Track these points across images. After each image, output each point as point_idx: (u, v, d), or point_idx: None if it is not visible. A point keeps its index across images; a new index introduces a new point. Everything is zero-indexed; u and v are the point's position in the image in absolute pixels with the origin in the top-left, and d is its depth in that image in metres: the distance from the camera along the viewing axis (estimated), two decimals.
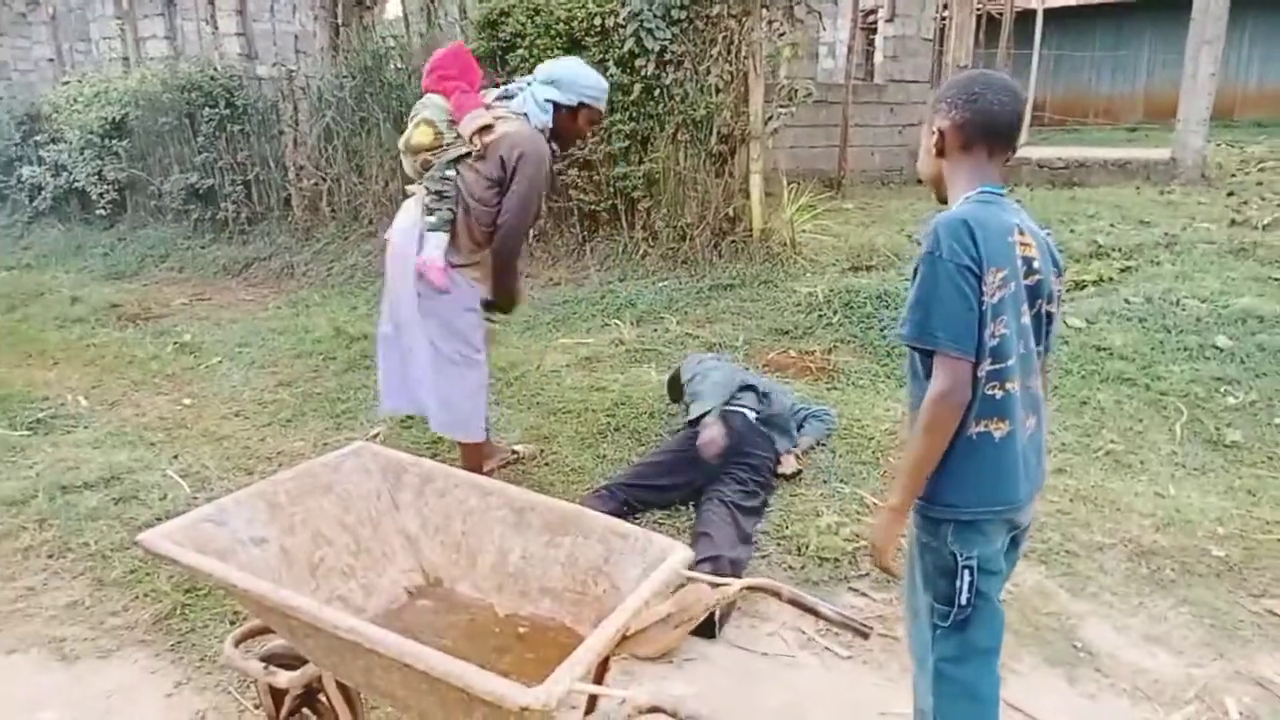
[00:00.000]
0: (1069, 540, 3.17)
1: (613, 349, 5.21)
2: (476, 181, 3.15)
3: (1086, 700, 2.47)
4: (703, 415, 3.50)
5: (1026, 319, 1.72)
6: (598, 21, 6.21)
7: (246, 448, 4.17)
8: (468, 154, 3.16)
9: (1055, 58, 16.65)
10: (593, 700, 2.11)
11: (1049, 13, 12.92)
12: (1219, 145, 10.91)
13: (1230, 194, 8.06)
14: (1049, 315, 1.79)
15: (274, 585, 1.80)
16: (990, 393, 1.68)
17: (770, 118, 6.19)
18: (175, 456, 4.06)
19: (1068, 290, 5.55)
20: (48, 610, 2.96)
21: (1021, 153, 9.95)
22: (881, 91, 10.60)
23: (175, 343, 5.94)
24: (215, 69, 8.81)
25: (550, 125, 3.22)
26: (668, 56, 6.11)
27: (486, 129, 3.13)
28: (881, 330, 4.95)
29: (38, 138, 9.75)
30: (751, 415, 3.62)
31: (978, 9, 10.95)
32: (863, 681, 2.58)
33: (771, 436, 3.59)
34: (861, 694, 2.52)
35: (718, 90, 6.07)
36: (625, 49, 6.10)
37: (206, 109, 8.43)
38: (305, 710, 2.28)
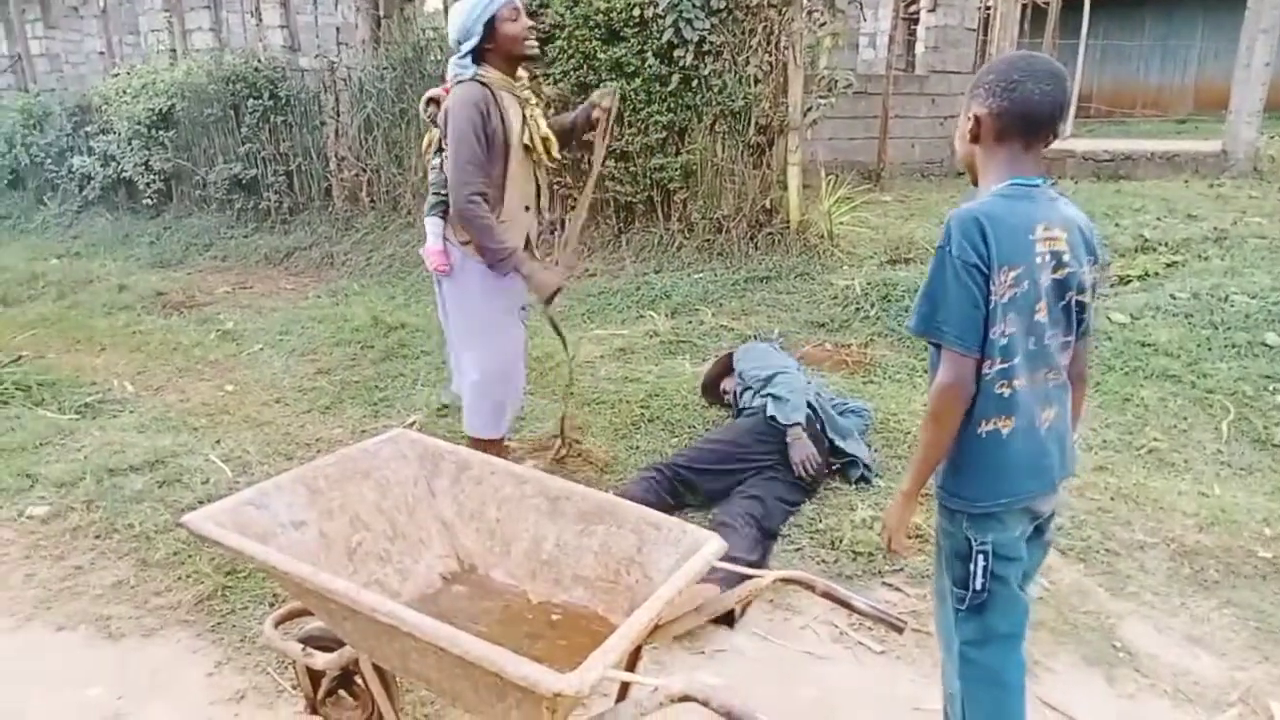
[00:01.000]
0: (1109, 539, 3.12)
1: (647, 340, 5.21)
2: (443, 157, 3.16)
3: (1125, 701, 2.43)
4: (789, 425, 3.43)
5: (1043, 315, 1.70)
6: (636, 12, 6.20)
7: (286, 434, 4.24)
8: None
9: (1103, 47, 16.30)
10: (624, 688, 2.13)
11: (1097, 1, 12.66)
12: (1272, 138, 10.62)
13: None
14: (1080, 305, 1.76)
15: (313, 568, 1.83)
16: (999, 391, 1.69)
17: (809, 109, 6.15)
18: (217, 441, 4.14)
19: (1111, 286, 5.45)
20: (94, 589, 3.03)
21: (1066, 145, 9.78)
22: (923, 82, 10.46)
23: (218, 330, 6.05)
24: (259, 61, 8.94)
25: (480, 74, 3.02)
26: (706, 47, 6.08)
27: (432, 101, 3.21)
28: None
29: (88, 128, 9.97)
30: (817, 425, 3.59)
31: None
32: (896, 677, 2.56)
33: (828, 440, 3.55)
34: (894, 689, 2.50)
35: (756, 81, 6.04)
36: (664, 40, 6.08)
37: (250, 100, 8.56)
38: (341, 692, 2.32)
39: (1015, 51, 1.78)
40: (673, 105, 6.25)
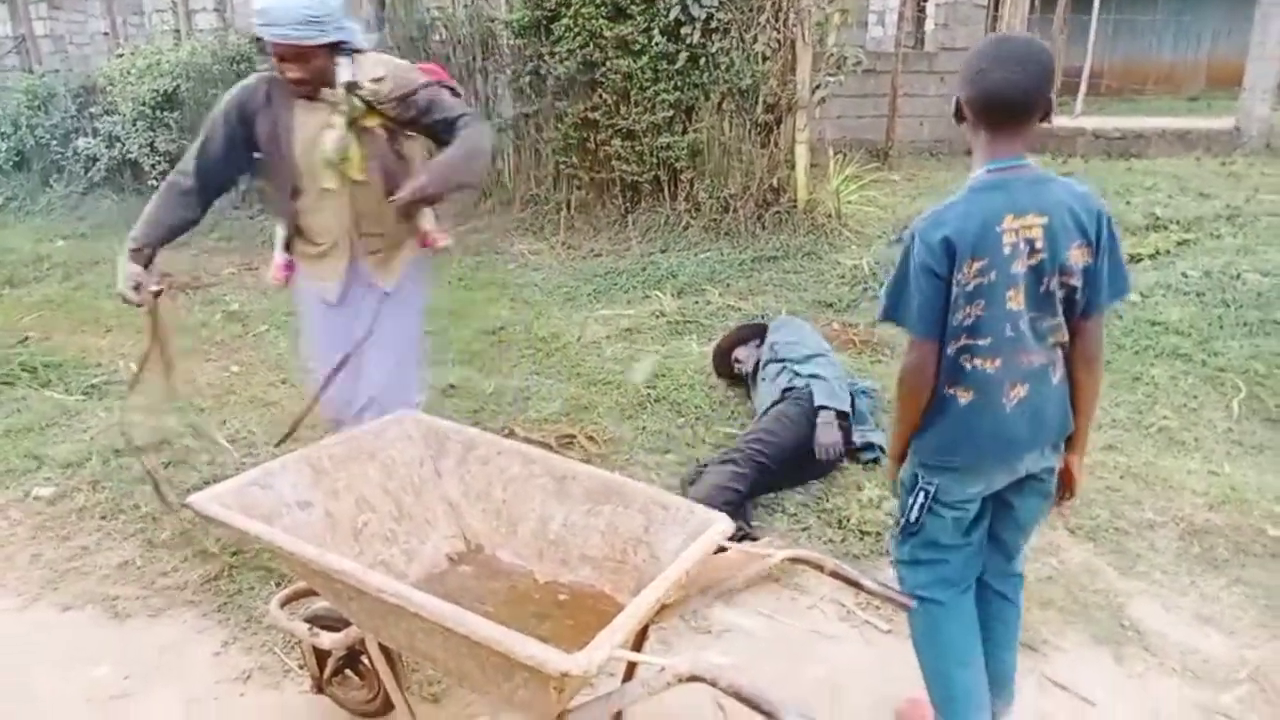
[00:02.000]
0: (1118, 518, 3.10)
1: (653, 320, 5.19)
2: None
3: (1134, 679, 2.42)
4: (823, 408, 3.40)
5: (1016, 303, 1.74)
6: None
7: (292, 414, 4.22)
8: None
9: (1115, 23, 16.09)
10: (631, 668, 2.12)
11: None
12: None
13: None
14: (1069, 287, 1.78)
15: (319, 549, 1.82)
16: (961, 363, 1.80)
17: (818, 86, 6.09)
18: (223, 422, 4.13)
19: None
20: (101, 569, 3.04)
21: (1077, 123, 9.68)
22: (932, 60, 10.34)
23: (223, 311, 6.04)
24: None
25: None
26: (714, 24, 6.02)
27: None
28: None
29: (93, 110, 9.91)
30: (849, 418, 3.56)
31: None
32: (905, 656, 2.52)
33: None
34: (902, 669, 2.48)
35: (764, 58, 5.98)
36: (671, 17, 6.01)
37: None
38: (348, 671, 2.32)
39: (992, 35, 1.89)
40: (680, 83, 6.19)
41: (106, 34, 11.49)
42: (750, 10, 5.98)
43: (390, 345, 2.81)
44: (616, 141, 6.48)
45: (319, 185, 2.63)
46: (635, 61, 6.18)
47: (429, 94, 2.62)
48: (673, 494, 2.32)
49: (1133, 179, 7.48)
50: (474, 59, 7.26)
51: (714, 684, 1.53)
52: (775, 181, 6.09)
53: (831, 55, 6.16)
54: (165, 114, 9.21)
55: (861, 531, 3.04)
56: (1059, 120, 9.70)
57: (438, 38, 7.66)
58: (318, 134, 2.57)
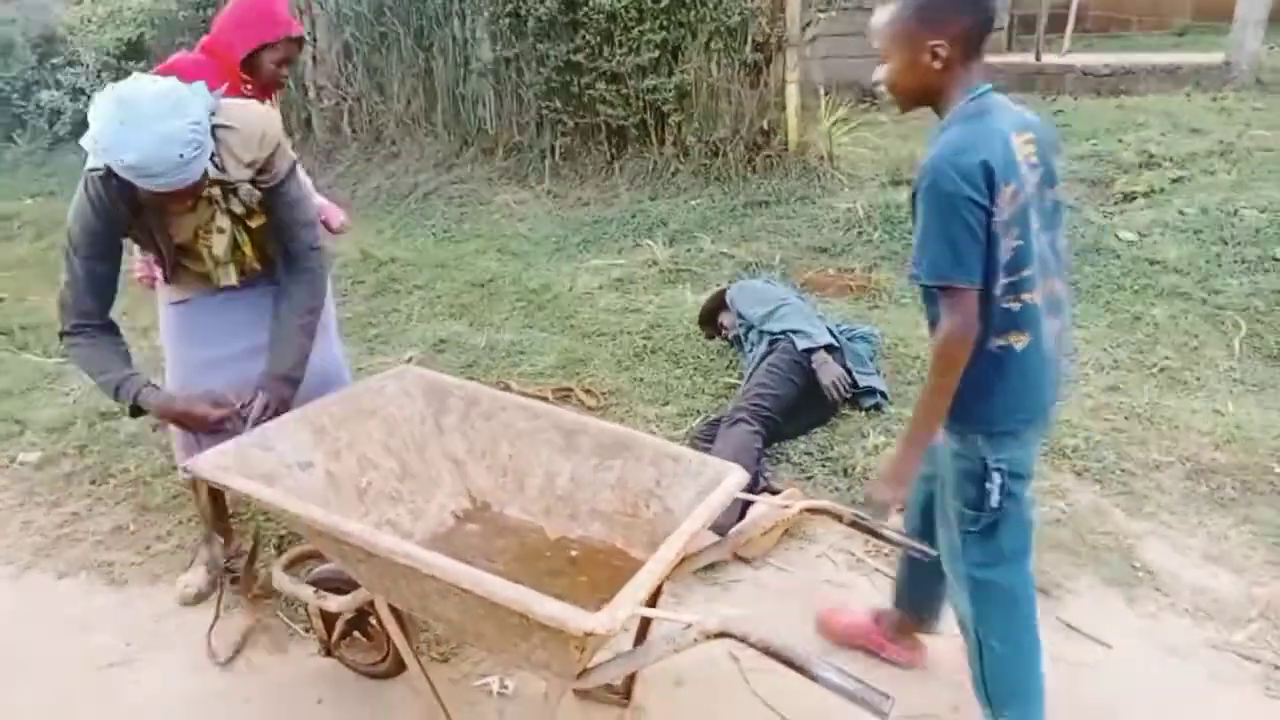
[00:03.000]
0: (1125, 459, 3.08)
1: (646, 270, 5.10)
2: None
3: (1147, 620, 2.42)
4: (815, 349, 3.35)
5: (1036, 223, 1.68)
6: None
7: None
8: None
9: None
10: (645, 625, 2.09)
11: None
12: (1272, 48, 10.38)
13: None
14: (1056, 203, 1.76)
15: (326, 511, 1.76)
16: (1007, 306, 1.67)
17: (808, 23, 5.92)
18: None
19: (1115, 203, 5.35)
20: (94, 535, 2.97)
21: (1064, 60, 9.53)
22: None
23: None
24: None
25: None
26: None
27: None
28: None
29: (54, 60, 9.57)
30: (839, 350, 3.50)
31: None
32: None
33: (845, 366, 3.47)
34: None
35: None
36: None
37: None
38: (356, 633, 2.28)
39: None
40: (665, 22, 5.99)
41: None
42: None
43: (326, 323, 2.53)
44: (601, 85, 6.29)
45: (211, 274, 2.28)
46: (619, 1, 5.98)
47: (290, 191, 2.23)
48: (683, 446, 2.27)
49: (1124, 116, 7.37)
50: (450, 1, 7.02)
51: (744, 640, 1.49)
52: (766, 124, 5.95)
53: None
54: (131, 64, 8.87)
55: (867, 479, 3.01)
56: (1047, 58, 9.55)
57: None
58: (199, 233, 2.20)
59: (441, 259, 5.51)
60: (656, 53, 6.05)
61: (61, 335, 2.22)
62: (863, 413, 3.42)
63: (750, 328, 3.68)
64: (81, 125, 7.86)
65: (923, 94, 1.74)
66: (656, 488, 2.11)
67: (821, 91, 6.30)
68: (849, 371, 3.38)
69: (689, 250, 5.25)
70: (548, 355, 4.10)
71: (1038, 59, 9.51)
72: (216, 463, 1.84)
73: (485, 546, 2.16)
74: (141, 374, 2.19)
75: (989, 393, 1.72)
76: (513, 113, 6.95)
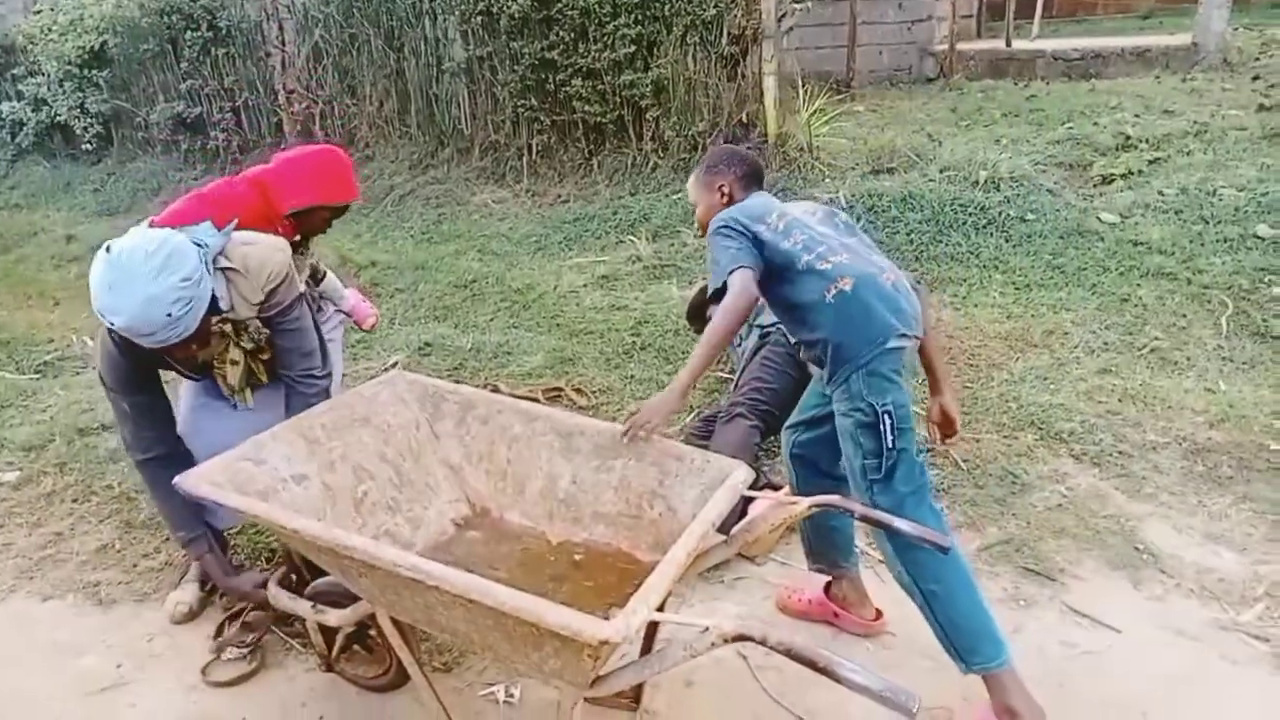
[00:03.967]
0: (1121, 441, 3.08)
1: (630, 266, 5.05)
2: None
3: (1154, 603, 2.41)
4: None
5: (829, 229, 2.17)
6: None
7: None
8: None
9: None
10: (653, 630, 2.05)
11: None
12: (1237, 30, 10.48)
13: (1256, 78, 7.74)
14: (846, 223, 2.23)
15: (324, 525, 1.70)
16: (822, 268, 2.02)
17: (783, 15, 5.89)
18: None
19: (1094, 186, 5.37)
20: (78, 555, 2.89)
21: (1035, 45, 9.57)
22: None
23: None
24: None
25: None
26: None
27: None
28: (908, 233, 4.78)
29: (14, 71, 9.36)
30: None
31: None
32: None
33: None
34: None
35: None
36: None
37: (189, 33, 8.04)
38: (356, 646, 2.22)
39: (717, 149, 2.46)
40: (640, 17, 5.94)
41: None
42: None
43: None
44: (577, 81, 6.23)
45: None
46: None
47: (291, 322, 2.27)
48: (684, 444, 2.24)
49: (1097, 99, 7.42)
50: (419, 0, 6.93)
51: (763, 643, 1.45)
52: (744, 116, 5.92)
53: None
54: (94, 72, 8.74)
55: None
56: (1018, 44, 9.60)
57: None
58: (215, 362, 2.26)
59: (422, 261, 5.43)
60: (632, 48, 6.01)
61: (140, 464, 2.32)
62: None
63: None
64: (45, 135, 7.66)
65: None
66: (660, 488, 2.07)
67: (800, 82, 6.27)
68: None
69: (672, 245, 5.21)
70: (535, 355, 4.05)
71: (1008, 45, 9.54)
72: (210, 479, 1.78)
73: (487, 553, 2.12)
74: (208, 533, 2.34)
75: (846, 333, 1.99)
76: (488, 112, 6.88)
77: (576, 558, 2.10)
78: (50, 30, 8.97)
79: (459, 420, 2.24)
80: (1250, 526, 2.67)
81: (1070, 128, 6.22)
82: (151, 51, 8.30)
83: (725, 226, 2.09)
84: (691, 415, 3.38)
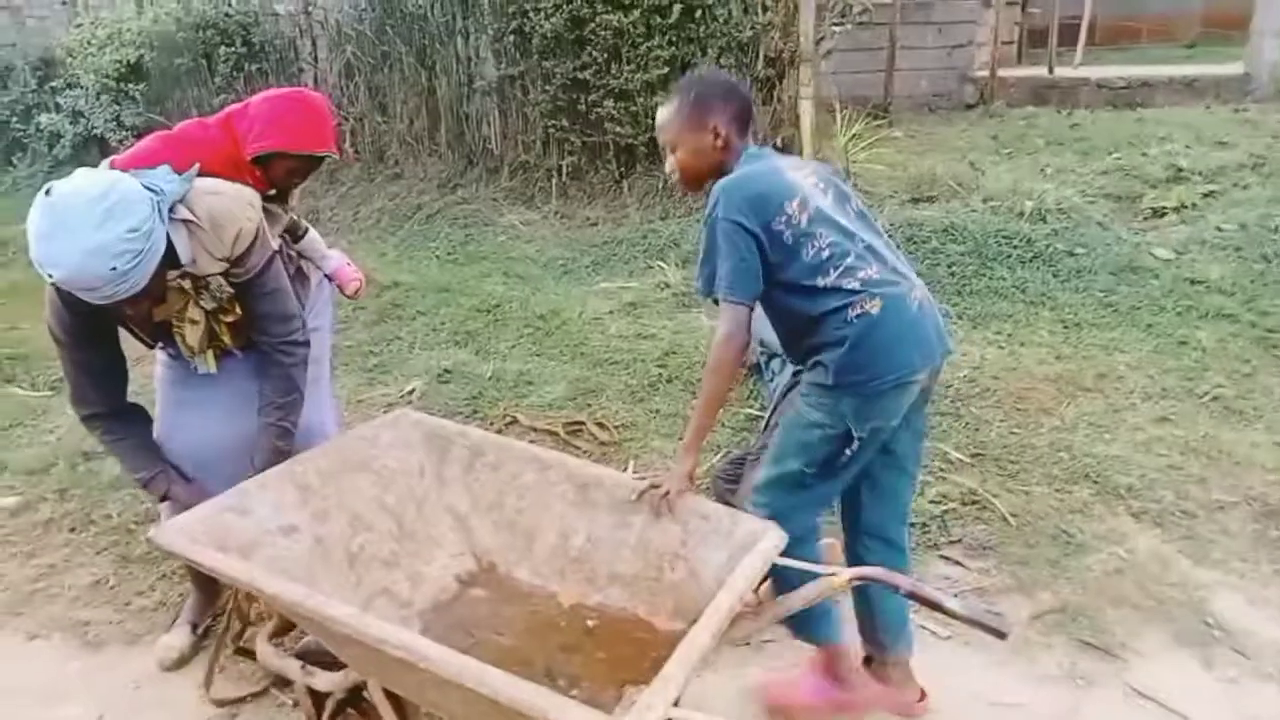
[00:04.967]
0: (1184, 499, 2.85)
1: (658, 293, 4.88)
2: None
3: (1227, 685, 2.18)
4: None
5: (848, 220, 1.88)
6: None
7: None
8: None
9: None
10: None
11: None
12: None
13: None
14: (860, 212, 1.96)
15: (308, 588, 1.54)
16: (850, 286, 1.81)
17: (821, 38, 5.73)
18: None
19: (1145, 219, 5.14)
20: (70, 590, 2.75)
21: (1079, 73, 9.34)
22: (929, 10, 9.95)
23: None
24: (230, 6, 8.41)
25: None
26: None
27: None
28: (950, 266, 4.57)
29: (54, 84, 9.45)
30: None
31: None
32: (965, 664, 2.30)
33: None
34: (965, 679, 2.24)
35: (765, 9, 5.61)
36: None
37: (223, 48, 8.05)
38: (350, 710, 2.05)
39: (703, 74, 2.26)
40: (674, 38, 5.81)
41: (65, 3, 10.96)
42: None
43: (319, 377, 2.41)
44: (609, 102, 6.11)
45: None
46: (626, 16, 5.79)
47: (264, 285, 2.09)
48: (710, 501, 2.06)
49: (1145, 129, 7.17)
50: (453, 19, 6.85)
51: None
52: (780, 140, 5.74)
53: (836, 3, 5.80)
54: (130, 86, 8.77)
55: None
56: (1061, 71, 9.37)
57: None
58: (174, 320, 2.08)
59: (446, 283, 5.30)
60: (665, 69, 5.86)
61: (81, 420, 2.17)
62: None
63: (772, 355, 3.46)
64: (81, 148, 7.65)
65: (710, 172, 1.95)
66: (682, 549, 1.89)
67: (838, 106, 6.10)
68: None
69: None
70: (557, 385, 3.89)
71: (1050, 71, 9.31)
72: (186, 531, 1.62)
73: (492, 616, 1.94)
74: (168, 469, 2.15)
75: (859, 352, 1.80)
76: (518, 132, 6.78)
77: (590, 624, 1.92)
78: (89, 44, 9.03)
79: (467, 466, 2.08)
80: None
81: (1118, 158, 5.99)
82: (186, 66, 8.31)
83: (731, 223, 1.81)
84: (720, 455, 3.19)
